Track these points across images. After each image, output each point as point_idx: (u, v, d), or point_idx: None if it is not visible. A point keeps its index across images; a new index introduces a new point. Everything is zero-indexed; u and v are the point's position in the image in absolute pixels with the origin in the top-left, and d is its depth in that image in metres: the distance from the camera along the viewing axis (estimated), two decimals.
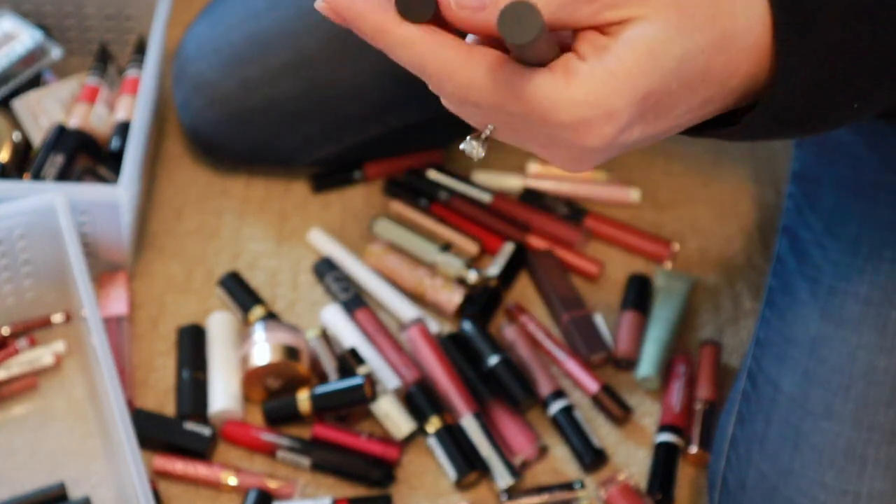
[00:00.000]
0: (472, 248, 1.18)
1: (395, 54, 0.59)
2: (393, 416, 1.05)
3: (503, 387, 1.07)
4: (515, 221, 1.20)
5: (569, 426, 1.06)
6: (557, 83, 0.57)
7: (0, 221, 1.03)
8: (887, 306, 0.88)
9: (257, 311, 1.11)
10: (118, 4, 1.25)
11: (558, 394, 1.07)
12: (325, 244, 1.18)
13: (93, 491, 1.00)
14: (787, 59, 0.60)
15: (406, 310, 1.13)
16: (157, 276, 1.16)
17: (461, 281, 1.15)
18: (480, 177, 1.23)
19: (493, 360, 1.08)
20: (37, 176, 1.13)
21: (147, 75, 1.14)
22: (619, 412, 1.07)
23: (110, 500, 1.00)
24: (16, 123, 1.18)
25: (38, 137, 1.17)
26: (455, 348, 1.09)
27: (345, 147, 1.19)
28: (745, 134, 0.64)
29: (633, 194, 1.23)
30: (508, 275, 1.16)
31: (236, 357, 1.08)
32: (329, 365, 1.08)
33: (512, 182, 1.23)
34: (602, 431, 1.07)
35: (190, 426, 1.04)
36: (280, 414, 1.05)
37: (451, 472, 1.03)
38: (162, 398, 1.08)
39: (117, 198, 1.06)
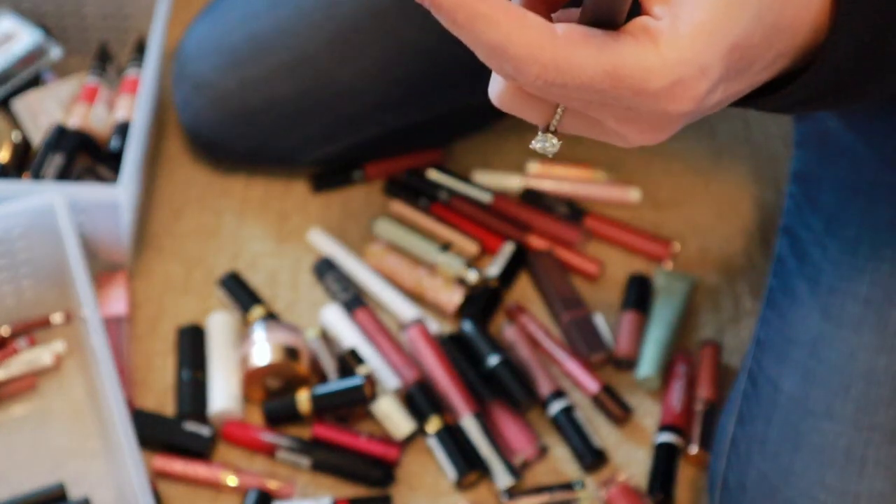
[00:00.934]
0: (472, 248, 1.18)
1: (476, 33, 0.53)
2: (393, 416, 1.05)
3: (503, 387, 1.07)
4: (515, 221, 1.20)
5: (569, 426, 1.06)
6: (646, 49, 0.53)
7: None
8: (887, 306, 0.88)
9: (257, 311, 1.11)
10: (118, 4, 1.25)
11: (558, 394, 1.07)
12: (325, 244, 1.18)
13: (92, 491, 1.00)
14: (847, 9, 0.58)
15: (406, 310, 1.13)
16: (156, 276, 1.16)
17: (461, 281, 1.15)
18: (480, 177, 1.23)
19: (493, 360, 1.08)
20: (36, 176, 1.12)
21: (147, 75, 1.14)
22: (619, 412, 1.07)
23: (110, 500, 1.00)
24: (15, 123, 1.18)
25: (37, 137, 1.17)
26: (455, 348, 1.09)
27: (345, 147, 1.19)
28: (799, 96, 0.62)
29: (633, 194, 1.23)
30: (508, 275, 1.16)
31: (236, 357, 1.08)
32: (329, 365, 1.08)
33: (512, 182, 1.22)
34: (602, 431, 1.07)
35: (190, 426, 1.03)
36: (280, 414, 1.05)
37: (451, 473, 1.03)
38: (162, 398, 1.08)
39: (117, 198, 1.06)
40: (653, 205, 1.23)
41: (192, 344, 1.10)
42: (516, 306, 1.14)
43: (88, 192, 1.06)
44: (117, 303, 1.11)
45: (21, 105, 1.19)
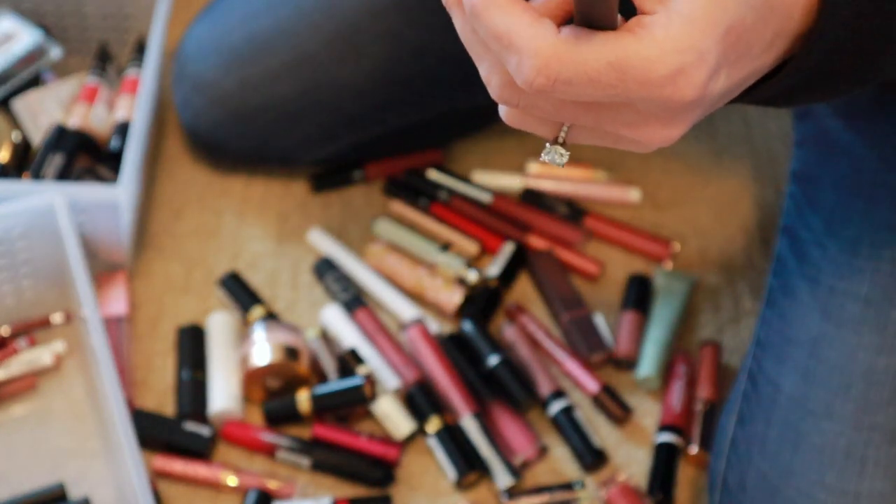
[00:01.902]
0: (472, 248, 1.18)
1: (484, 19, 0.55)
2: (393, 416, 1.05)
3: (503, 387, 1.07)
4: (515, 221, 1.20)
5: (569, 426, 1.06)
6: (645, 41, 0.54)
7: None
8: (887, 306, 0.88)
9: (257, 311, 1.11)
10: (118, 4, 1.25)
11: (558, 394, 1.07)
12: (325, 244, 1.18)
13: (92, 491, 1.00)
14: (830, 9, 0.60)
15: (406, 310, 1.13)
16: (156, 276, 1.16)
17: (461, 281, 1.15)
18: (480, 177, 1.23)
19: (493, 360, 1.08)
20: (36, 176, 1.13)
21: (147, 75, 1.14)
22: (619, 412, 1.07)
23: (110, 500, 1.00)
24: (15, 123, 1.18)
25: (37, 137, 1.17)
26: (455, 348, 1.09)
27: (345, 147, 1.19)
28: (794, 80, 0.63)
29: (633, 194, 1.23)
30: (508, 275, 1.16)
31: (236, 357, 1.08)
32: (329, 365, 1.08)
33: (512, 182, 1.22)
34: (602, 431, 1.07)
35: (190, 426, 1.03)
36: (280, 414, 1.05)
37: (451, 473, 1.03)
38: (162, 398, 1.08)
39: (117, 198, 1.06)
40: (653, 205, 1.23)
41: (192, 344, 1.10)
42: (516, 306, 1.14)
43: (88, 192, 1.06)
44: (117, 303, 1.11)
45: (21, 105, 1.19)
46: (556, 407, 1.06)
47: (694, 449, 1.05)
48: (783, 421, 0.90)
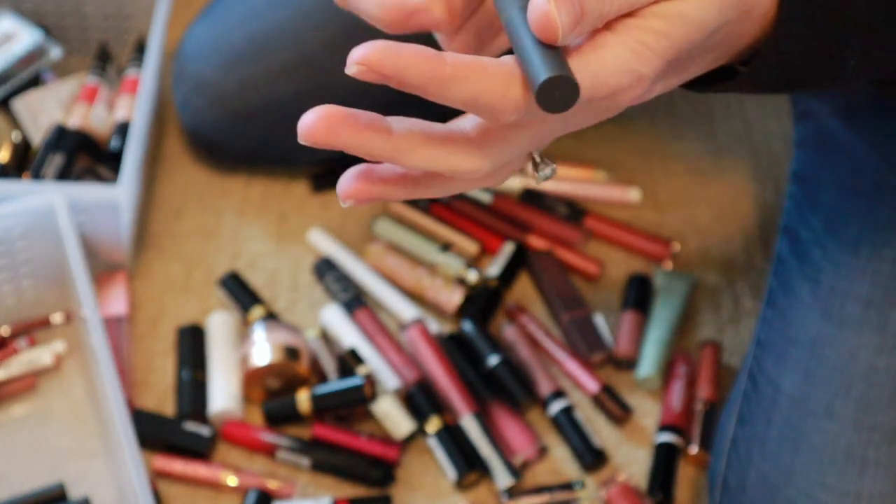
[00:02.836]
0: (472, 248, 1.18)
1: (447, 95, 0.58)
2: (393, 416, 1.05)
3: (503, 387, 1.07)
4: (515, 221, 1.20)
5: (569, 426, 1.06)
6: (591, 62, 0.57)
7: None
8: (888, 307, 0.88)
9: (257, 311, 1.11)
10: (118, 4, 1.25)
11: (558, 394, 1.07)
12: (325, 244, 1.18)
13: (92, 491, 1.00)
14: (788, 22, 0.62)
15: (406, 310, 1.13)
16: (156, 276, 1.16)
17: (461, 281, 1.15)
18: None
19: (493, 360, 1.08)
20: (36, 176, 1.13)
21: (147, 75, 1.14)
22: (619, 412, 1.07)
23: (110, 500, 1.00)
24: (15, 123, 1.18)
25: (37, 137, 1.17)
26: (455, 348, 1.09)
27: None
28: (745, 85, 0.66)
29: (633, 194, 1.23)
30: (508, 275, 1.16)
31: (236, 357, 1.08)
32: (329, 365, 1.08)
33: (512, 182, 1.22)
34: (602, 431, 1.07)
35: (190, 426, 1.03)
36: (280, 414, 1.05)
37: (451, 473, 1.03)
38: (162, 398, 1.08)
39: (117, 198, 1.06)
40: (653, 205, 1.23)
41: (192, 344, 1.10)
42: (516, 306, 1.14)
43: (88, 192, 1.06)
44: (117, 303, 1.11)
45: (21, 105, 1.19)
46: (555, 407, 1.06)
47: (694, 449, 1.05)
48: (783, 421, 0.90)
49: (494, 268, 1.15)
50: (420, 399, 1.06)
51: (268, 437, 1.04)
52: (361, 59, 0.57)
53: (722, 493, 0.94)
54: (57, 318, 1.10)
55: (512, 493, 1.02)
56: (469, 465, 1.03)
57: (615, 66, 0.57)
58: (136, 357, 1.10)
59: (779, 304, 0.96)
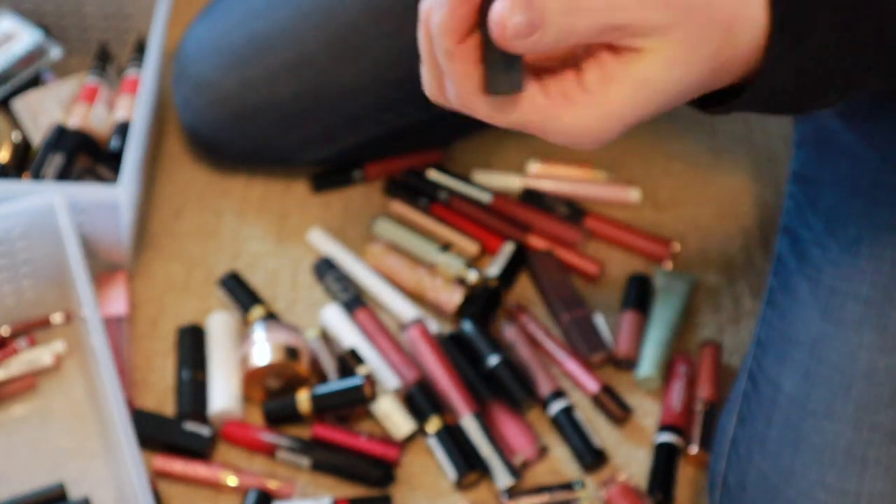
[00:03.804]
0: (472, 248, 1.18)
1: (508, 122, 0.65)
2: (393, 416, 1.05)
3: (503, 387, 1.07)
4: (515, 221, 1.20)
5: (569, 426, 1.06)
6: (556, 111, 0.63)
7: None
8: (888, 307, 0.88)
9: (257, 311, 1.11)
10: (118, 4, 1.25)
11: (558, 394, 1.07)
12: (325, 244, 1.18)
13: (92, 491, 1.00)
14: (773, 65, 0.64)
15: (406, 310, 1.13)
16: (156, 276, 1.16)
17: (461, 281, 1.15)
18: (480, 177, 1.23)
19: (493, 360, 1.08)
20: (36, 176, 1.13)
21: (147, 75, 1.14)
22: (619, 412, 1.07)
23: (110, 500, 1.00)
24: (15, 123, 1.18)
25: (37, 137, 1.17)
26: (455, 348, 1.09)
27: (345, 147, 1.19)
28: (731, 110, 0.68)
29: (633, 194, 1.23)
30: (508, 275, 1.16)
31: (236, 357, 1.08)
32: (329, 365, 1.08)
33: (512, 182, 1.22)
34: (602, 431, 1.07)
35: (190, 426, 1.03)
36: (280, 414, 1.05)
37: (451, 473, 1.03)
38: (161, 398, 1.08)
39: (117, 198, 1.06)
40: (653, 205, 1.23)
41: (192, 344, 1.10)
42: (516, 306, 1.14)
43: (88, 192, 1.06)
44: (117, 303, 1.11)
45: (21, 105, 1.19)
46: (556, 407, 1.06)
47: (694, 449, 1.05)
48: (783, 421, 0.90)
49: (494, 268, 1.15)
50: (420, 399, 1.06)
51: (268, 437, 1.04)
52: None
53: (722, 493, 0.94)
54: (57, 318, 1.10)
55: (512, 493, 1.02)
56: (469, 465, 1.03)
57: (576, 128, 0.63)
58: (136, 357, 1.10)
59: (779, 303, 0.96)
